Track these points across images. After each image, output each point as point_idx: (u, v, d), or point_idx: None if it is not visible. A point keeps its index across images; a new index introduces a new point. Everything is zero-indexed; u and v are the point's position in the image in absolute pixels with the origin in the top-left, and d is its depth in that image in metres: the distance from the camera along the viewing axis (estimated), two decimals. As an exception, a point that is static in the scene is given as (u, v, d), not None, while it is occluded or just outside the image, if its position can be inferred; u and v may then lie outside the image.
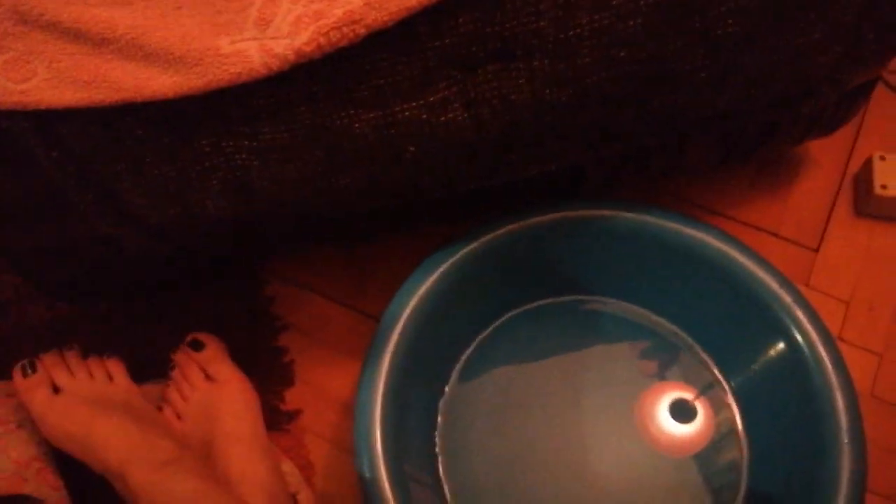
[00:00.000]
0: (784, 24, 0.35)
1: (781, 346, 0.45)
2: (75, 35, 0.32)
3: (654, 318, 0.51)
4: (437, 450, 0.48)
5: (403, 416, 0.44)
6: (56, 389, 0.46)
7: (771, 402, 0.46)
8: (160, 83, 0.32)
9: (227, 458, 0.45)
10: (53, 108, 0.32)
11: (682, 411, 0.49)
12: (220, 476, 0.44)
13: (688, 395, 0.49)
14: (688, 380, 0.50)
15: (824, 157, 0.58)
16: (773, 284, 0.44)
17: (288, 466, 0.49)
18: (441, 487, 0.47)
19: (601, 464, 0.48)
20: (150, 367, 0.51)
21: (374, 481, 0.41)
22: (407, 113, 0.34)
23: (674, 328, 0.51)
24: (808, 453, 0.43)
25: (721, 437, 0.48)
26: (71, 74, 0.32)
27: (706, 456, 0.48)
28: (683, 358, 0.50)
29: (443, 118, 0.35)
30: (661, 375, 0.50)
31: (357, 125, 0.34)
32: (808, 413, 0.43)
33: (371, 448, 0.41)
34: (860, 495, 0.41)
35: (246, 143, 0.35)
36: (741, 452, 0.47)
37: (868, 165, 0.54)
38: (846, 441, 0.41)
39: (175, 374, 0.50)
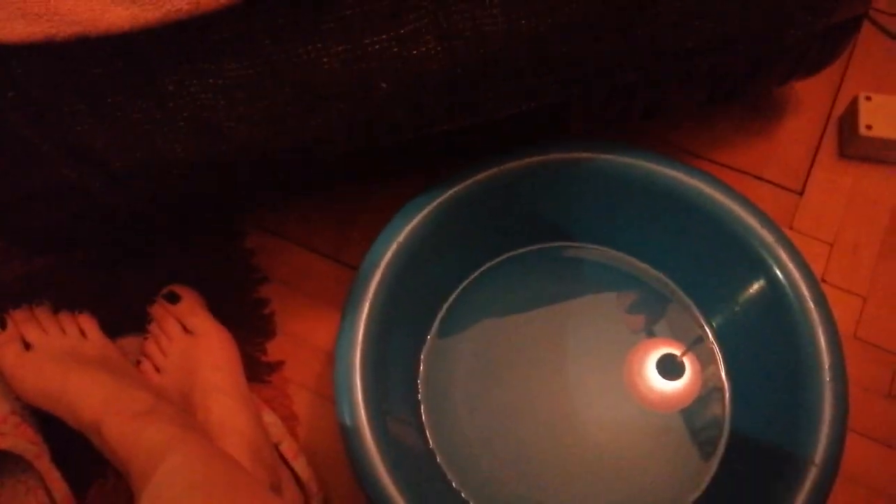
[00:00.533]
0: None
1: (763, 284, 0.44)
2: (25, -34, 0.30)
3: (638, 263, 0.51)
4: (419, 397, 0.48)
5: (385, 365, 0.44)
6: (27, 346, 0.45)
7: (754, 343, 0.46)
8: (116, 15, 0.30)
9: (206, 410, 0.44)
10: (4, 43, 0.31)
11: (670, 367, 0.49)
12: (199, 427, 0.43)
13: (676, 350, 0.49)
14: (676, 336, 0.49)
15: (809, 98, 0.57)
16: (755, 223, 0.44)
17: (270, 417, 0.48)
18: (424, 434, 0.47)
19: (588, 419, 0.48)
20: (128, 320, 0.50)
21: (355, 428, 0.40)
22: (377, 46, 0.33)
23: (657, 274, 0.51)
24: (789, 392, 0.43)
25: (708, 391, 0.48)
26: (21, 7, 0.30)
27: (693, 410, 0.48)
28: (671, 311, 0.50)
29: (414, 51, 0.34)
30: (649, 331, 0.50)
31: (325, 59, 0.33)
32: (791, 351, 0.43)
33: (351, 395, 0.41)
34: (841, 433, 0.41)
35: (210, 80, 0.33)
36: (724, 402, 0.47)
37: (853, 106, 0.54)
38: (828, 379, 0.41)
39: (152, 327, 0.49)
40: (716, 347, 0.49)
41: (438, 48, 0.34)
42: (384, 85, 0.35)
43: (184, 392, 0.46)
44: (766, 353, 0.45)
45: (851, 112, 0.54)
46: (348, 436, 0.40)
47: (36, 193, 0.39)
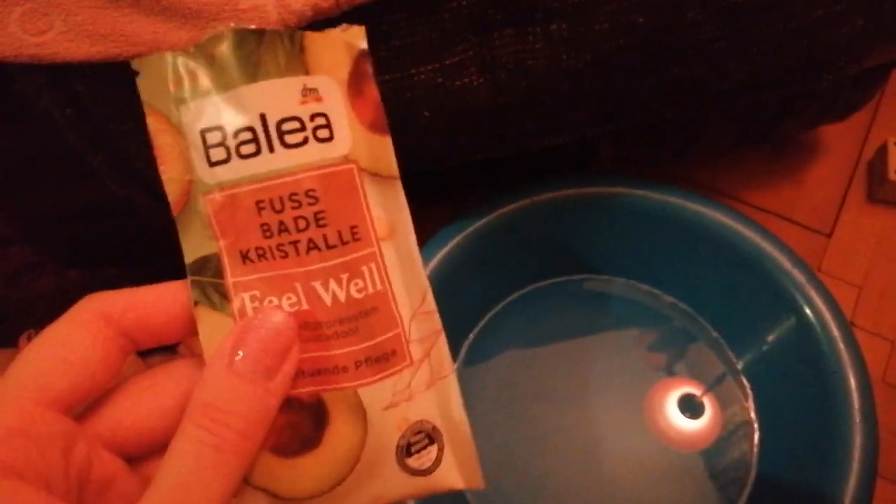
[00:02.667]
0: (803, -6, 0.35)
1: (793, 324, 0.44)
2: (92, -10, 0.32)
3: (664, 297, 0.51)
4: (443, 426, 0.48)
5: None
6: None
7: (782, 382, 0.46)
8: (176, 38, 0.31)
9: None
10: (69, 61, 0.32)
11: (690, 406, 0.49)
12: None
13: (696, 391, 0.49)
14: (696, 375, 0.49)
15: (838, 142, 0.57)
16: (785, 262, 0.44)
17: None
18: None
19: (609, 455, 0.47)
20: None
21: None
22: (423, 76, 0.34)
23: (684, 308, 0.51)
24: (818, 434, 0.42)
25: (731, 430, 0.48)
26: (87, 28, 0.32)
27: (716, 450, 0.47)
28: (692, 349, 0.50)
29: (458, 83, 0.35)
30: (670, 370, 0.50)
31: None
32: (820, 392, 0.42)
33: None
34: (871, 477, 0.40)
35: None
36: (751, 440, 0.47)
37: (882, 151, 0.54)
38: (858, 420, 0.41)
39: (181, 347, 0.50)
40: (745, 385, 0.49)
41: (481, 80, 0.35)
42: (427, 114, 0.36)
43: None
44: (795, 394, 0.45)
45: (881, 157, 0.54)
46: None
47: (83, 208, 0.40)
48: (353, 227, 0.20)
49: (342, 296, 0.20)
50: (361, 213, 0.20)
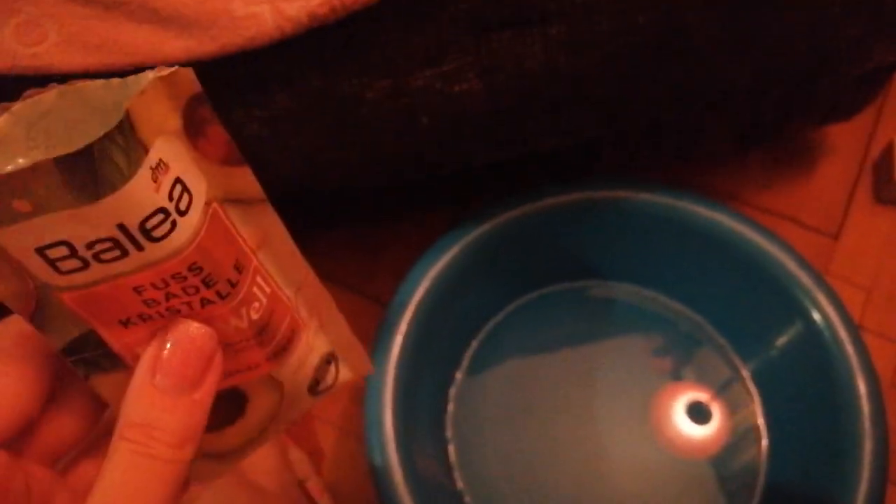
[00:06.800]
0: (806, -6, 0.35)
1: (800, 328, 0.44)
2: (87, -1, 0.32)
3: (670, 303, 0.51)
4: (448, 436, 0.48)
5: (414, 403, 0.44)
6: None
7: (790, 388, 0.45)
8: (172, 47, 0.31)
9: None
10: (64, 72, 0.32)
11: (697, 413, 0.48)
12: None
13: (703, 396, 0.48)
14: (703, 380, 0.49)
15: (843, 143, 0.57)
16: (792, 265, 0.43)
17: (297, 454, 0.48)
18: (451, 474, 0.46)
19: (615, 463, 0.47)
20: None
21: (385, 468, 0.40)
22: (420, 82, 0.34)
23: (690, 313, 0.50)
24: (828, 440, 0.42)
25: (738, 437, 0.47)
26: (82, 38, 0.31)
27: (723, 456, 0.46)
28: (699, 354, 0.49)
29: (456, 88, 0.34)
30: (676, 375, 0.49)
31: (369, 93, 0.34)
32: (829, 398, 0.42)
33: (382, 435, 0.41)
34: (882, 482, 0.39)
35: (257, 112, 0.34)
36: (759, 447, 0.46)
37: (888, 151, 0.53)
38: (868, 426, 0.40)
39: None
40: (752, 390, 0.48)
41: (480, 84, 0.35)
42: (425, 119, 0.35)
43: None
44: (804, 399, 0.44)
45: (887, 157, 0.53)
46: (378, 475, 0.40)
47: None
48: (236, 265, 0.19)
49: (245, 323, 0.20)
50: (237, 244, 0.19)
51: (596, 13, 0.33)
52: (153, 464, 0.18)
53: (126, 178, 0.16)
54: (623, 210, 0.47)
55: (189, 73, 0.18)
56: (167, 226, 0.17)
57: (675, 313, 0.50)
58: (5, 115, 0.17)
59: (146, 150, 0.16)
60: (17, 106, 0.17)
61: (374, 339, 0.44)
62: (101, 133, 0.15)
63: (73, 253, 0.16)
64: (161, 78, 0.17)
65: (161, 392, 0.18)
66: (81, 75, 0.33)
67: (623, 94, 0.37)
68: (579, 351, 0.50)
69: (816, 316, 0.43)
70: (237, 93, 0.34)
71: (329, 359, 0.23)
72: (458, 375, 0.49)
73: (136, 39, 0.31)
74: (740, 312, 0.48)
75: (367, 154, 0.36)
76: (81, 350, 0.19)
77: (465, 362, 0.50)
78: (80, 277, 0.17)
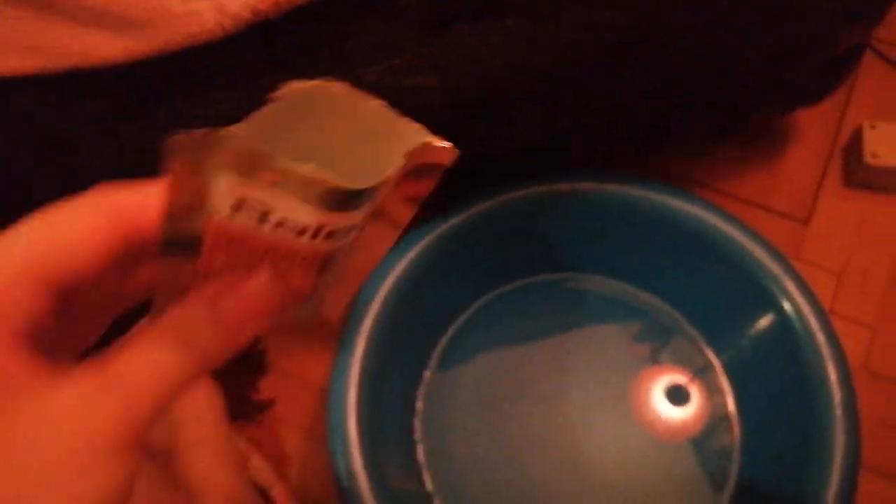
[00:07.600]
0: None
1: (771, 317, 0.43)
2: (18, -1, 0.30)
3: (642, 294, 0.50)
4: (416, 437, 0.47)
5: (381, 403, 0.43)
6: None
7: (762, 377, 0.45)
8: (109, 47, 0.30)
9: (186, 465, 0.43)
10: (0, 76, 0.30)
11: (676, 395, 0.48)
12: (180, 486, 0.42)
13: (681, 378, 0.48)
14: (680, 363, 0.48)
15: (813, 128, 0.56)
16: (762, 255, 0.43)
17: (258, 462, 0.47)
18: (421, 476, 0.46)
19: (595, 453, 0.46)
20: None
21: (349, 475, 0.39)
22: (373, 76, 0.33)
23: (662, 305, 0.50)
24: (800, 428, 0.42)
25: (716, 420, 0.47)
26: (14, 40, 0.30)
27: (701, 440, 0.46)
28: (675, 340, 0.49)
29: (410, 83, 0.33)
30: (654, 359, 0.49)
31: (320, 91, 0.33)
32: (800, 386, 0.42)
33: (345, 437, 0.40)
34: (854, 469, 0.39)
35: (202, 112, 0.33)
36: (733, 433, 0.46)
37: (858, 134, 0.53)
38: (839, 413, 0.40)
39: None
40: (724, 379, 0.48)
41: (434, 80, 0.34)
42: (381, 116, 0.34)
43: (166, 448, 0.45)
44: (775, 387, 0.44)
45: (856, 141, 0.53)
46: (341, 482, 0.39)
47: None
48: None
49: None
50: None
51: (556, 9, 0.32)
52: (186, 354, 0.18)
53: (357, 206, 0.18)
54: (591, 202, 0.46)
55: (453, 153, 0.20)
56: (343, 233, 0.19)
57: (649, 305, 0.50)
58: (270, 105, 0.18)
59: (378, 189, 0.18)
60: (280, 93, 0.19)
61: (337, 339, 0.43)
62: (383, 177, 0.17)
63: (264, 218, 0.17)
64: (429, 144, 0.19)
65: (219, 325, 0.19)
66: (18, 79, 0.31)
67: (588, 87, 0.36)
68: (553, 342, 0.50)
69: (787, 305, 0.42)
70: (182, 91, 0.33)
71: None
72: (428, 373, 0.49)
73: (70, 41, 0.30)
74: (711, 302, 0.47)
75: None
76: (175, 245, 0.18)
77: (435, 360, 0.49)
78: (244, 224, 0.17)
